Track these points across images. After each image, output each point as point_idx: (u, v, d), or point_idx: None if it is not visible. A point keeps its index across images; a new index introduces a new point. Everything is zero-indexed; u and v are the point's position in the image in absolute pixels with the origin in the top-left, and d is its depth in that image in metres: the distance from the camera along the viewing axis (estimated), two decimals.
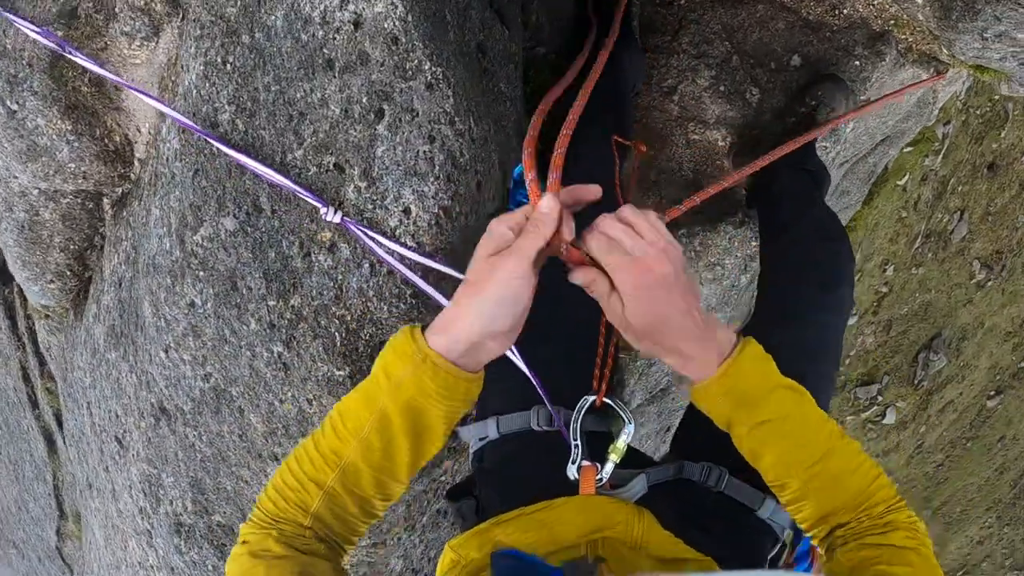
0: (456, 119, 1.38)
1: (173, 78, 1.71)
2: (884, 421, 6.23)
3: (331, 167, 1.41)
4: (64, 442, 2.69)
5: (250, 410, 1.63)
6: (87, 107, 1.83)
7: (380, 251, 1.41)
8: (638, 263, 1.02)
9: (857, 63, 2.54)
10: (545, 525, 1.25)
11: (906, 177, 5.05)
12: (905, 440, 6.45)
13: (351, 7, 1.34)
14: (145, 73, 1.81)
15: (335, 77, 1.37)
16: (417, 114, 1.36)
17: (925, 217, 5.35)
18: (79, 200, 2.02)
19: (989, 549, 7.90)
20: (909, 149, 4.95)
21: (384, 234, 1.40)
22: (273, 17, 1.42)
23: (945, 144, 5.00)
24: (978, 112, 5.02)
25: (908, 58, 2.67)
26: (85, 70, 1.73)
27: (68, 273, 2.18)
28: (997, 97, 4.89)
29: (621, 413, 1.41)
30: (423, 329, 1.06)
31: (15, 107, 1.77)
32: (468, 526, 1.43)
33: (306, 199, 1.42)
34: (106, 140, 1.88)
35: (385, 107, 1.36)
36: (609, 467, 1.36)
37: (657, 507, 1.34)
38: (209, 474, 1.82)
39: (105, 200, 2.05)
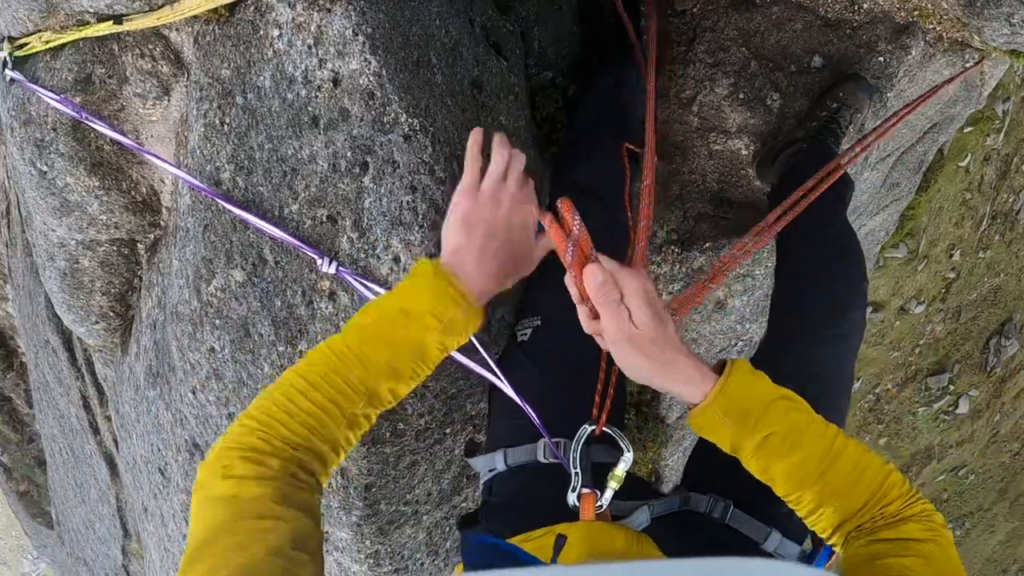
0: (436, 167, 1.42)
1: (186, 134, 1.79)
2: (957, 411, 6.03)
3: (324, 219, 1.46)
4: (123, 467, 2.84)
5: None
6: (111, 163, 1.93)
7: (379, 290, 1.45)
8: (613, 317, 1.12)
9: (881, 59, 2.47)
10: (548, 549, 1.27)
11: (968, 158, 4.86)
12: (979, 430, 6.22)
13: (329, 66, 1.39)
14: (162, 129, 1.90)
15: (321, 133, 1.42)
16: (398, 166, 1.39)
17: (990, 198, 5.14)
18: (115, 247, 2.12)
19: None
20: (969, 129, 4.76)
21: (377, 282, 1.44)
22: (262, 78, 1.48)
23: (1006, 121, 4.80)
24: None
25: (938, 48, 2.58)
26: None
27: (111, 314, 2.29)
28: None
29: (620, 441, 1.42)
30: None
31: (45, 168, 1.88)
32: None
33: (304, 251, 1.48)
34: (133, 192, 1.98)
35: (368, 160, 1.40)
36: (608, 494, 1.38)
37: (660, 538, 1.34)
38: None
39: (139, 245, 2.15)
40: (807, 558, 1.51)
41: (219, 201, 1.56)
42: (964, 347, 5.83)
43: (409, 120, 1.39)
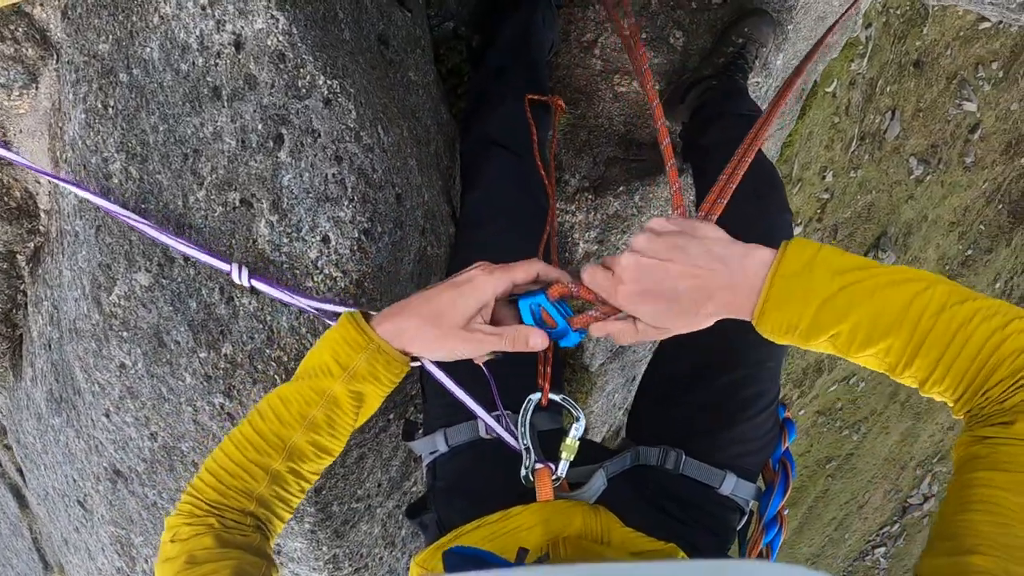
0: (362, 133, 1.29)
1: (61, 125, 1.59)
2: None
3: (237, 204, 1.31)
4: (34, 499, 2.60)
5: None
6: None
7: (301, 302, 1.31)
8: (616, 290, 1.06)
9: None
10: (507, 533, 1.21)
11: (834, 83, 5.03)
12: None
13: (229, 27, 1.23)
14: (32, 122, 1.68)
15: (224, 107, 1.27)
16: (319, 135, 1.26)
17: (857, 120, 5.35)
18: None
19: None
20: (834, 56, 4.92)
21: (306, 268, 1.31)
22: (148, 49, 1.31)
23: (869, 47, 4.98)
24: (898, 12, 4.99)
25: None
26: None
27: None
28: None
29: (570, 409, 1.36)
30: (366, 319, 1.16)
31: None
32: (432, 539, 1.39)
33: (210, 264, 1.32)
34: (6, 198, 1.76)
35: (284, 132, 1.26)
36: (563, 465, 1.32)
37: (618, 498, 1.31)
38: None
39: (19, 257, 1.92)
40: (763, 495, 1.51)
41: (102, 205, 1.37)
42: None
43: (328, 82, 1.25)
